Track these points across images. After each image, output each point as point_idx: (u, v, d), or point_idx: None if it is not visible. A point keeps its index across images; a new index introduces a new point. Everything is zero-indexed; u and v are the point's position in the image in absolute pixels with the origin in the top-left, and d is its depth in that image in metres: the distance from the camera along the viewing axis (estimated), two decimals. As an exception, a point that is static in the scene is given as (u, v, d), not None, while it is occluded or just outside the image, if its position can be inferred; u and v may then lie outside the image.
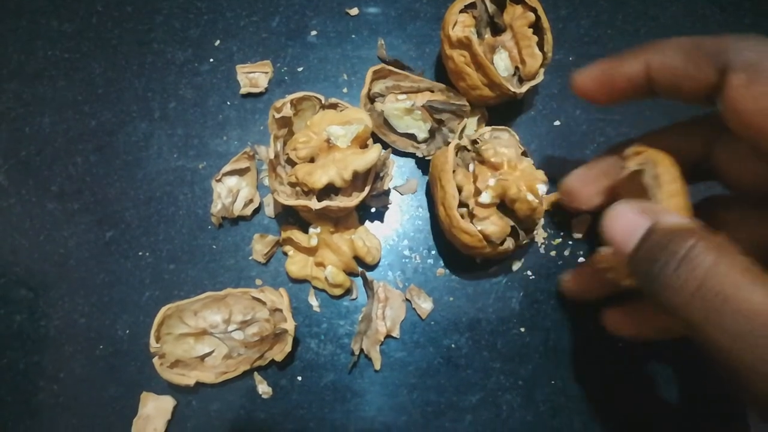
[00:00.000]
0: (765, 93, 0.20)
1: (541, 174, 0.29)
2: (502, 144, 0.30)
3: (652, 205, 0.23)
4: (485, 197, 0.29)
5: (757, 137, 0.21)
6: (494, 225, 0.29)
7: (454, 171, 0.30)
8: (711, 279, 0.19)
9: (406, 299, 0.34)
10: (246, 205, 0.35)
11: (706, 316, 0.19)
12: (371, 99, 0.35)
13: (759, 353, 0.18)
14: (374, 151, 0.30)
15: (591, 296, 0.32)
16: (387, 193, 0.35)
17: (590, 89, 0.27)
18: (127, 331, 0.33)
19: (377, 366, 0.33)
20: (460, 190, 0.30)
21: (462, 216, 0.30)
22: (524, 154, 0.31)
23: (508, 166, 0.29)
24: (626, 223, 0.23)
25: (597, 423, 0.32)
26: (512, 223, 0.30)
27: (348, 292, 0.34)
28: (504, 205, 0.30)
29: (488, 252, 0.30)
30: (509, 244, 0.30)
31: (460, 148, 0.31)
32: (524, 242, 0.31)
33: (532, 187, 0.29)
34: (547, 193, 0.29)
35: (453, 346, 0.33)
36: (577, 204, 0.31)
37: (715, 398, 0.32)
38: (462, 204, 0.30)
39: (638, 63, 0.25)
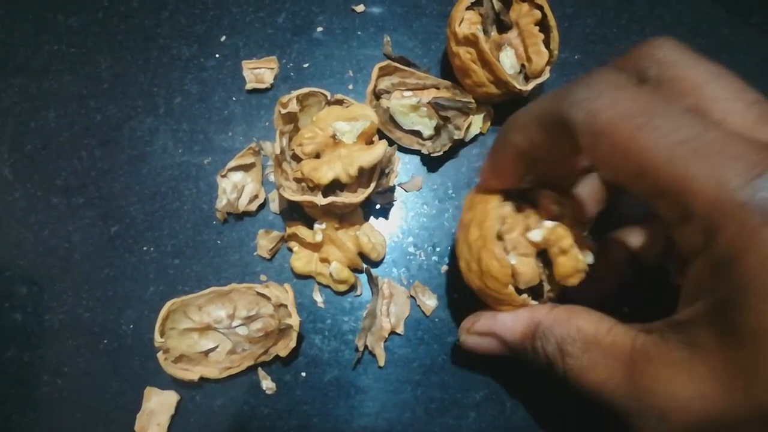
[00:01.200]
0: (606, 156, 0.20)
1: (590, 243, 0.26)
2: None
3: (483, 324, 0.28)
4: (536, 235, 0.26)
5: (621, 185, 0.21)
6: (528, 267, 0.26)
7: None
8: (566, 358, 0.24)
9: (411, 296, 0.34)
10: (251, 200, 0.35)
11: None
12: (377, 95, 0.35)
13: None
14: (380, 147, 0.30)
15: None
16: (392, 189, 0.35)
17: (501, 186, 0.27)
18: (131, 326, 0.33)
19: (381, 362, 0.33)
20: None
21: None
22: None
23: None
24: (486, 348, 0.28)
25: (601, 421, 0.32)
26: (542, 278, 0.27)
27: (352, 288, 0.34)
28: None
29: (501, 296, 0.26)
30: (528, 299, 0.27)
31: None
32: (542, 298, 0.28)
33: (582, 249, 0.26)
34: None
35: (457, 343, 0.33)
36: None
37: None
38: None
39: (512, 152, 0.24)
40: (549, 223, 0.26)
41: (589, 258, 0.26)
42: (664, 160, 0.18)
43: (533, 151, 0.23)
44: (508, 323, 0.27)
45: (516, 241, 0.26)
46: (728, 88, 0.22)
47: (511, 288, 0.26)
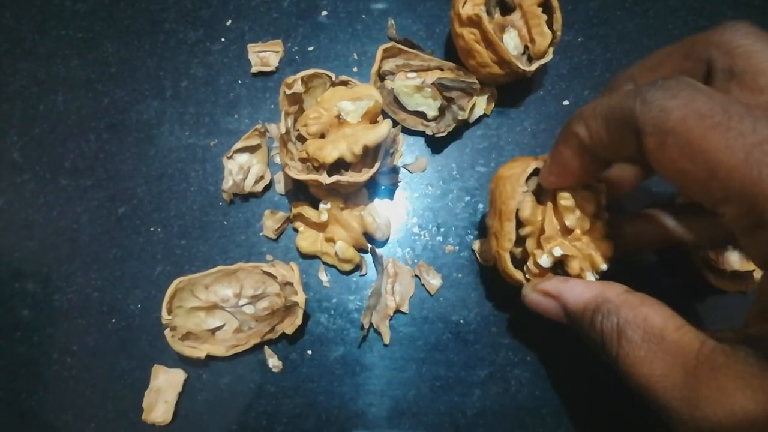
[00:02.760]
0: (673, 157, 0.19)
1: (607, 248, 0.26)
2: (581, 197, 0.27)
3: (553, 284, 0.26)
4: (545, 261, 0.27)
5: (683, 190, 0.21)
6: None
7: (518, 209, 0.27)
8: (623, 342, 0.22)
9: (415, 275, 0.34)
10: (257, 181, 0.35)
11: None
12: (381, 77, 0.35)
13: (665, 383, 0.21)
14: (385, 126, 0.30)
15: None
16: (396, 170, 0.35)
17: (560, 184, 0.27)
18: (139, 306, 0.34)
19: (386, 340, 0.33)
20: (522, 223, 0.27)
21: (515, 255, 0.28)
22: (602, 205, 0.27)
23: (580, 229, 0.27)
24: (545, 308, 0.27)
25: (605, 399, 0.32)
26: None
27: (358, 267, 0.34)
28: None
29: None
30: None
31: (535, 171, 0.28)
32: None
33: (594, 262, 0.26)
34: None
35: (461, 321, 0.33)
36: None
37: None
38: (520, 238, 0.28)
39: (574, 143, 0.24)
40: (557, 251, 0.26)
41: (604, 268, 0.26)
42: (739, 162, 0.17)
43: (594, 146, 0.23)
44: (577, 289, 0.25)
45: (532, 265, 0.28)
46: None
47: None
